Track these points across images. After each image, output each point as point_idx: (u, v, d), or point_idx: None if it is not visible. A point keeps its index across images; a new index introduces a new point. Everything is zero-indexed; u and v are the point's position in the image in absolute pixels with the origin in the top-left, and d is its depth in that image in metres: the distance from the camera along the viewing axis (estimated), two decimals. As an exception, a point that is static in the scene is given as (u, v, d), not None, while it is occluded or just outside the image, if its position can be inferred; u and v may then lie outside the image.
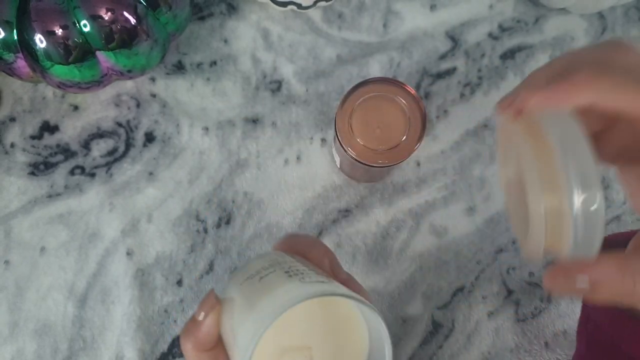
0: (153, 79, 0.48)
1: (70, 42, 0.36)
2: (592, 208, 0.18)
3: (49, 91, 0.47)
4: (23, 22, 0.36)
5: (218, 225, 0.45)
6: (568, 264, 0.21)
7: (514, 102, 0.23)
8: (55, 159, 0.46)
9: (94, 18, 0.36)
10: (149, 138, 0.47)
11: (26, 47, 0.37)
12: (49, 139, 0.46)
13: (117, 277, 0.44)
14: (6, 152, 0.46)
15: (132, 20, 0.37)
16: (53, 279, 0.44)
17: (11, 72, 0.40)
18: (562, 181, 0.18)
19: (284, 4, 0.46)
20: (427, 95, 0.48)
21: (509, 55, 0.49)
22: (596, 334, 0.33)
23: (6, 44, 0.37)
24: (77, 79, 0.39)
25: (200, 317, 0.26)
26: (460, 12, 0.49)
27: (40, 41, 0.36)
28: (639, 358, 0.28)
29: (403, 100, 0.38)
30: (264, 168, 0.46)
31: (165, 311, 0.44)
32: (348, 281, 0.26)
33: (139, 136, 0.47)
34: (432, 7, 0.49)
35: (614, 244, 0.27)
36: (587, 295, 0.21)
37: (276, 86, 0.48)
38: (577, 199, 0.18)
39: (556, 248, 0.20)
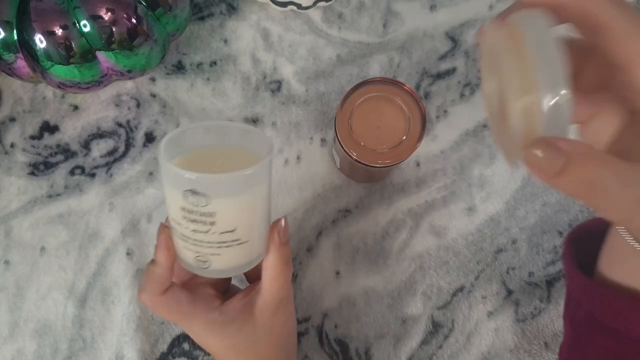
0: (153, 79, 0.48)
1: (70, 42, 0.36)
2: (560, 102, 0.20)
3: (49, 91, 0.47)
4: (23, 22, 0.36)
5: (218, 225, 0.45)
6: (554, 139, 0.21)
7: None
8: (55, 159, 0.46)
9: (94, 18, 0.36)
10: (149, 138, 0.47)
11: (26, 47, 0.37)
12: (49, 139, 0.47)
13: (117, 277, 0.44)
14: (6, 152, 0.46)
15: (132, 21, 0.37)
16: (53, 278, 0.44)
17: (11, 72, 0.40)
18: (534, 81, 0.20)
19: (284, 4, 0.46)
20: (427, 95, 0.48)
21: (508, 55, 0.49)
22: (577, 312, 0.33)
23: (6, 44, 0.37)
24: (77, 79, 0.39)
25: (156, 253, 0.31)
26: (460, 12, 0.49)
27: (40, 41, 0.36)
28: (610, 325, 0.29)
29: (403, 101, 0.38)
30: (263, 168, 0.46)
31: (165, 311, 0.44)
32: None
33: (139, 136, 0.47)
34: (432, 8, 0.49)
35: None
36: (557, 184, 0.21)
37: (276, 86, 0.48)
38: (546, 97, 0.20)
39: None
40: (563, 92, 0.20)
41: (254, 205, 0.30)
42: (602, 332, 0.30)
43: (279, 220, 0.34)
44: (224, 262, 0.30)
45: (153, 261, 0.32)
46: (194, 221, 0.28)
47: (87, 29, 0.36)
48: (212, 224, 0.28)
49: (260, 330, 0.34)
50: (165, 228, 0.32)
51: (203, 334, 0.34)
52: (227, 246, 0.29)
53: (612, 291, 0.29)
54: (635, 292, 0.28)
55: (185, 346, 0.44)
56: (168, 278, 0.32)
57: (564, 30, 0.24)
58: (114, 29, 0.37)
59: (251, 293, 0.35)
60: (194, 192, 0.27)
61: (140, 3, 0.38)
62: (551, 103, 0.20)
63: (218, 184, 0.27)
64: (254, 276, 0.40)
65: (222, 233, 0.29)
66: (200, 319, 0.33)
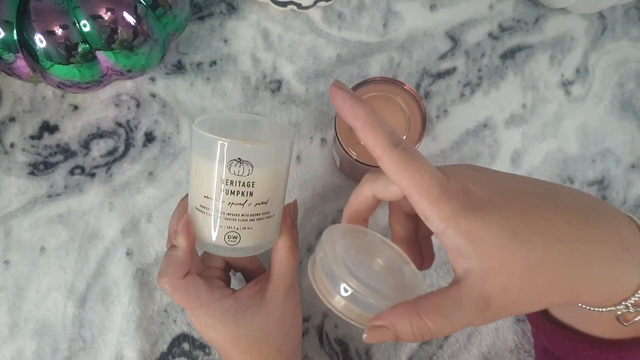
0: (153, 79, 0.48)
1: (70, 42, 0.36)
2: (346, 295, 0.27)
3: (48, 91, 0.47)
4: (23, 22, 0.36)
5: (218, 225, 0.45)
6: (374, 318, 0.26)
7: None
8: (55, 159, 0.46)
9: (94, 18, 0.36)
10: (149, 138, 0.47)
11: (26, 47, 0.37)
12: (49, 139, 0.46)
13: (117, 277, 0.44)
14: (6, 152, 0.46)
15: (132, 20, 0.37)
16: (53, 279, 0.44)
17: (11, 72, 0.40)
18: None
19: (284, 4, 0.46)
20: (427, 95, 0.48)
21: (509, 55, 0.49)
22: (536, 339, 0.37)
23: (6, 43, 0.37)
24: (76, 79, 0.39)
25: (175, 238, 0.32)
26: (460, 12, 0.49)
27: (40, 41, 0.36)
28: (559, 355, 0.33)
29: (403, 100, 0.38)
30: (263, 168, 0.46)
31: (165, 311, 0.44)
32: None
33: (139, 136, 0.47)
34: (432, 7, 0.49)
35: None
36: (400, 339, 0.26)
37: (276, 86, 0.48)
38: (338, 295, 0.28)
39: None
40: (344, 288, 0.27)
41: (283, 177, 0.33)
42: None
43: (289, 204, 0.36)
44: (251, 238, 0.32)
45: (173, 246, 0.33)
46: (232, 193, 0.31)
47: (87, 29, 0.36)
48: (250, 194, 0.31)
49: (272, 317, 0.35)
50: (183, 214, 0.33)
51: (217, 323, 0.34)
52: (258, 219, 0.32)
53: (557, 329, 0.32)
54: (570, 328, 0.31)
55: (185, 346, 0.44)
56: (188, 262, 0.33)
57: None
58: (113, 29, 0.37)
59: (261, 281, 0.37)
60: (239, 161, 0.30)
61: (140, 3, 0.37)
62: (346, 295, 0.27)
63: (262, 152, 0.31)
64: (252, 276, 0.40)
65: (256, 204, 0.31)
66: (216, 306, 0.34)
